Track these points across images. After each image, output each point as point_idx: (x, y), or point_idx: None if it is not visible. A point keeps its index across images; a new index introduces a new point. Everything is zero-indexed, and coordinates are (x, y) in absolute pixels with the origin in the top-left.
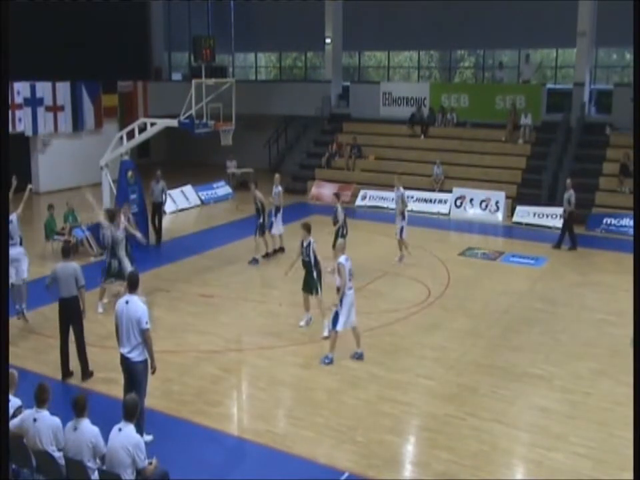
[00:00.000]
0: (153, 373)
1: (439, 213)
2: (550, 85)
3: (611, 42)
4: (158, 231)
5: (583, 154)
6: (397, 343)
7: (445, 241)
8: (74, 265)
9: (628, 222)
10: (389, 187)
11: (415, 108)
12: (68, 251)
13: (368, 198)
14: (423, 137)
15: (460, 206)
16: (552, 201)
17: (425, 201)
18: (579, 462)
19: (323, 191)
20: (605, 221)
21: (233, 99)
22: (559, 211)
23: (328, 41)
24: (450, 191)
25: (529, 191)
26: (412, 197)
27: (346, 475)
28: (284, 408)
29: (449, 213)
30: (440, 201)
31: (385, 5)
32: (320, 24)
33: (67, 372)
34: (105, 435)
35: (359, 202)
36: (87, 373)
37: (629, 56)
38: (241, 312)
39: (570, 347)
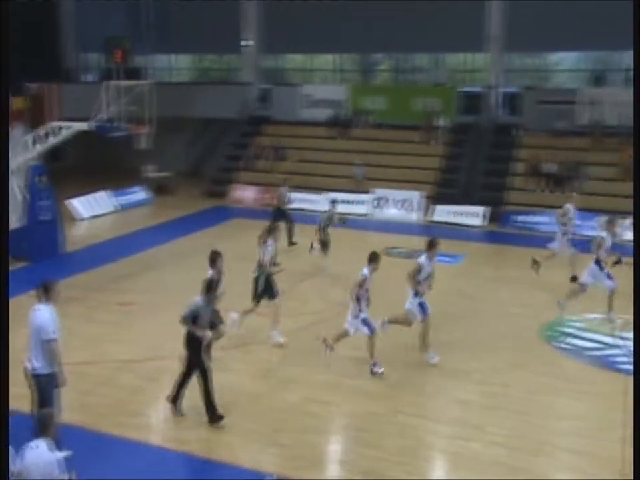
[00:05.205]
0: (62, 386)
1: (359, 214)
2: (463, 88)
3: (522, 47)
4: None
5: (495, 154)
6: (318, 344)
7: (365, 240)
8: None
9: (538, 219)
10: (313, 189)
11: (334, 110)
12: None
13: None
14: (342, 138)
15: (379, 206)
16: (466, 199)
17: (347, 202)
18: (495, 450)
19: (244, 193)
20: (515, 218)
21: (150, 102)
22: (475, 209)
23: (245, 43)
24: (370, 192)
25: (445, 191)
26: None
27: (273, 476)
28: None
29: (369, 213)
30: (360, 202)
31: (304, 8)
32: (238, 25)
33: None
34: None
35: None
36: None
37: (537, 60)
38: (163, 319)
39: (487, 341)
